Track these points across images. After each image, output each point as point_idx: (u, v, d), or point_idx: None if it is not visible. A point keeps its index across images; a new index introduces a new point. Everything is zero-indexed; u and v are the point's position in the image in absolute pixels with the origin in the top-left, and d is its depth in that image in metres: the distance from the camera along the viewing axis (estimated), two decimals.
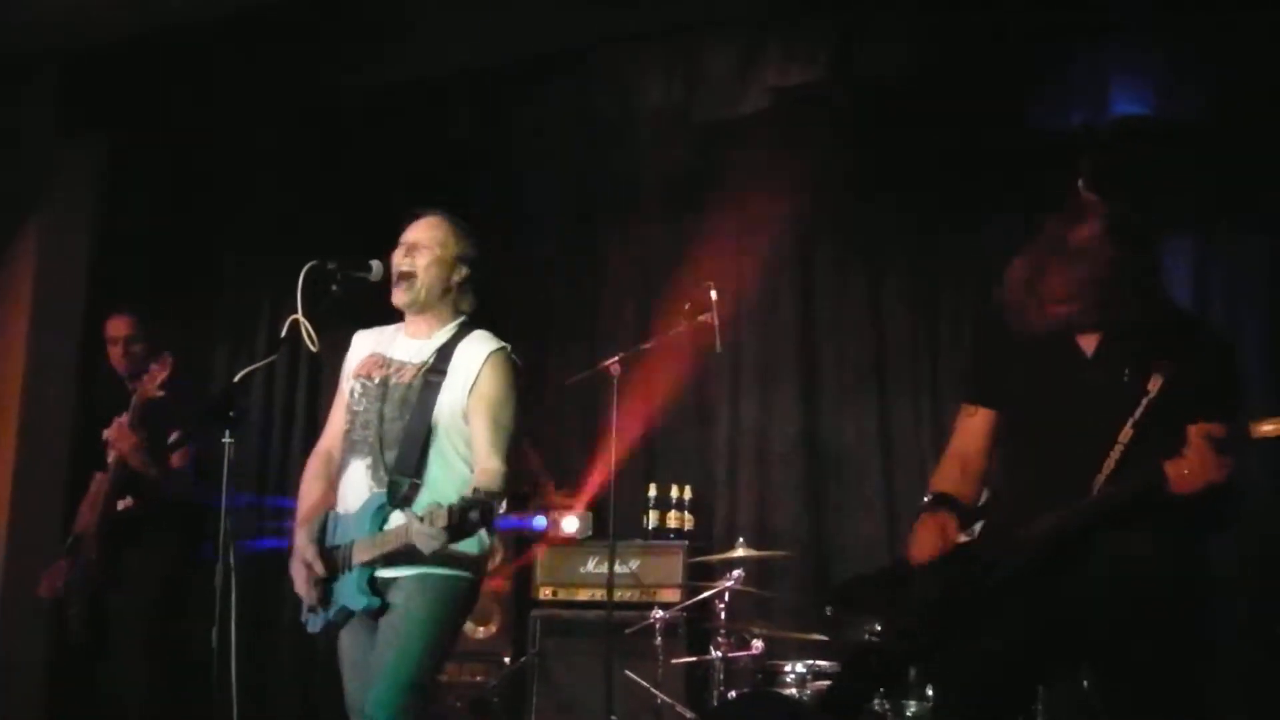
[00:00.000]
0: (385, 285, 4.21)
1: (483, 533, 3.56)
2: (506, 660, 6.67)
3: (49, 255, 6.88)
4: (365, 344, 4.07)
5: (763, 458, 7.29)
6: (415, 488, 3.71)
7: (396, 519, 3.68)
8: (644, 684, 6.01)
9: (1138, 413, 3.28)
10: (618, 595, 6.13)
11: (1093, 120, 6.29)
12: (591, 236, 7.73)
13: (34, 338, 5.79)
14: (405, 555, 3.60)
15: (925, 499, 3.68)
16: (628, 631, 6.11)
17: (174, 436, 5.43)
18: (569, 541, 6.14)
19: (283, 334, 4.00)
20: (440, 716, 6.44)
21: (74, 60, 6.77)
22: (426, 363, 3.85)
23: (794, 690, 5.72)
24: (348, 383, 4.01)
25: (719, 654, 5.95)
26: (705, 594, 6.11)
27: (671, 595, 6.49)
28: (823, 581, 6.90)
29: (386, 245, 4.21)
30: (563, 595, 6.73)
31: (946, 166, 6.79)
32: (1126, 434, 3.29)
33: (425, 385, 3.80)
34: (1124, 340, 3.41)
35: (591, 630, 6.36)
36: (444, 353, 3.86)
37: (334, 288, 4.03)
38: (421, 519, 3.36)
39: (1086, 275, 3.38)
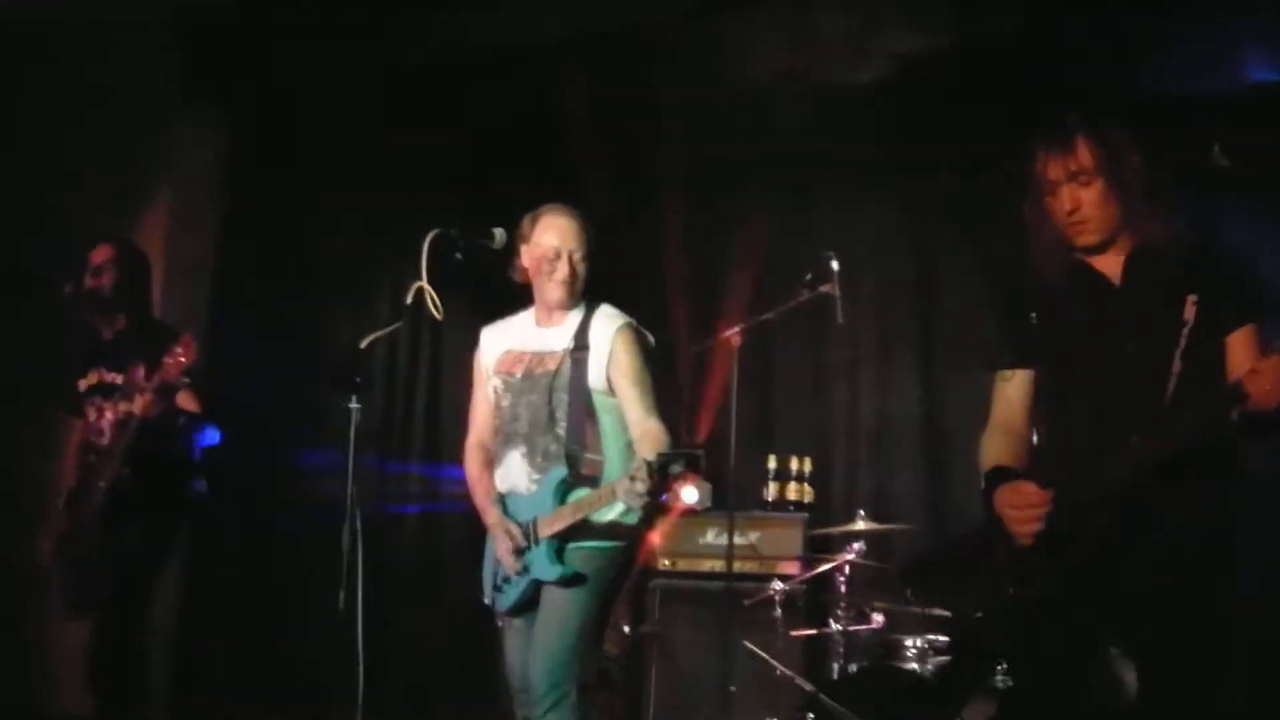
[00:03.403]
0: (507, 253, 4.24)
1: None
2: (626, 629, 6.67)
3: (177, 223, 6.98)
4: (496, 341, 4.21)
5: (882, 430, 7.22)
6: (593, 462, 3.92)
7: (579, 492, 3.86)
8: (763, 655, 5.99)
9: (1182, 343, 3.14)
10: (737, 566, 6.10)
11: (1226, 87, 6.12)
12: (710, 206, 7.67)
13: (164, 307, 5.89)
14: (580, 530, 3.84)
15: (982, 484, 3.46)
16: (747, 603, 6.08)
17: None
18: (689, 512, 6.12)
19: (407, 301, 4.06)
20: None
21: (191, 28, 6.81)
22: (569, 347, 4.01)
23: (915, 665, 5.66)
24: (489, 380, 4.15)
25: (839, 627, 5.92)
26: (825, 566, 6.08)
27: (791, 568, 6.46)
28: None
29: (506, 213, 4.24)
30: (682, 565, 6.74)
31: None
32: (1177, 367, 3.13)
33: (574, 364, 3.97)
34: (1147, 263, 3.30)
35: (711, 601, 6.35)
36: (581, 332, 4.02)
37: (458, 255, 4.10)
38: (632, 477, 3.53)
39: (1098, 196, 3.29)
